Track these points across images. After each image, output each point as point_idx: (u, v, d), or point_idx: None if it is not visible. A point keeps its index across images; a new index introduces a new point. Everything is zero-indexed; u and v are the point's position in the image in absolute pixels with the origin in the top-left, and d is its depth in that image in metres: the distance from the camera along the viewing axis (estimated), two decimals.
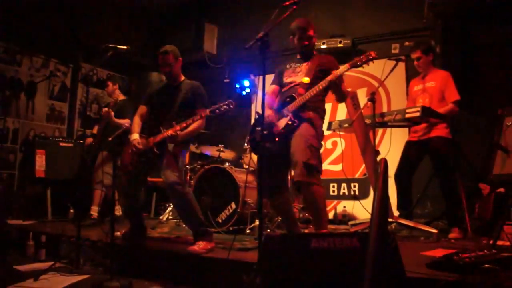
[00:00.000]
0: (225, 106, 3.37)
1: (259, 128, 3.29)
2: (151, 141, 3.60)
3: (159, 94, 3.85)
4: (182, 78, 3.87)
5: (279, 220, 4.45)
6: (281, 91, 3.57)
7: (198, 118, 3.46)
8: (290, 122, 3.25)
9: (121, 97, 5.54)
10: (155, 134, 3.61)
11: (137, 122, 3.80)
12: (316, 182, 3.18)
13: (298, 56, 3.59)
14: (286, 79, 3.53)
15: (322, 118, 3.46)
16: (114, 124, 4.93)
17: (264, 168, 3.21)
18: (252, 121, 6.71)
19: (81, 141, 6.02)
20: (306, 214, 4.76)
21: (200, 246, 3.29)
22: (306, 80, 3.31)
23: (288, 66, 3.59)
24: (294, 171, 3.18)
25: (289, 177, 3.90)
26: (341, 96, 3.47)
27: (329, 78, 3.16)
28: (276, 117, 3.37)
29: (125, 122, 4.99)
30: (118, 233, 3.82)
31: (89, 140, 5.48)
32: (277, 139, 3.29)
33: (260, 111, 3.36)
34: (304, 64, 3.48)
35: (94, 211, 5.19)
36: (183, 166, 3.81)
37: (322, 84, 3.18)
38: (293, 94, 3.31)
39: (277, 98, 3.60)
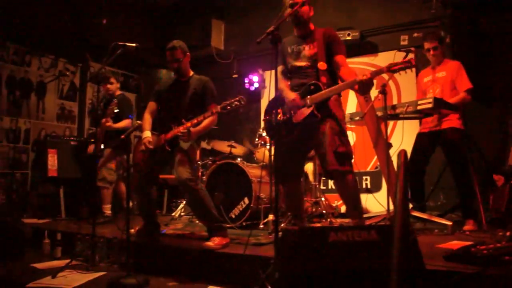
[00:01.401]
0: (236, 102, 3.35)
1: (279, 110, 3.28)
2: (163, 138, 3.60)
3: (168, 90, 3.83)
4: (191, 73, 3.85)
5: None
6: (293, 77, 3.38)
7: (209, 115, 3.45)
8: (312, 115, 3.09)
9: (119, 92, 5.55)
10: (166, 131, 3.61)
11: (147, 119, 3.79)
12: (350, 169, 3.08)
13: (296, 33, 3.40)
14: (293, 63, 3.35)
15: (340, 101, 3.31)
16: (115, 130, 4.98)
17: (278, 153, 3.21)
18: (262, 115, 6.74)
19: (92, 140, 6.05)
20: (319, 208, 4.75)
21: (215, 242, 3.29)
22: (323, 66, 3.17)
23: (289, 50, 3.39)
24: (325, 162, 3.05)
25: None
26: (366, 93, 3.21)
27: (361, 79, 2.88)
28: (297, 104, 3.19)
29: (124, 124, 5.02)
30: (132, 230, 3.82)
31: (92, 147, 5.47)
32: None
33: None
34: (306, 47, 3.29)
35: (107, 209, 5.22)
36: (195, 163, 3.81)
37: (349, 84, 2.99)
38: (318, 83, 3.13)
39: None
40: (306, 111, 3.12)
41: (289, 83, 3.40)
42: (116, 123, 5.10)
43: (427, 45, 4.26)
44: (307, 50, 3.28)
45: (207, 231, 3.55)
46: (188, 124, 3.45)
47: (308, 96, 3.12)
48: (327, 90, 3.07)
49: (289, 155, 3.26)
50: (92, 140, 5.70)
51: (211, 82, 3.79)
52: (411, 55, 2.88)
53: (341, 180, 3.08)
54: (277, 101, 3.31)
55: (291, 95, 3.21)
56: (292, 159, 3.30)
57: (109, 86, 5.48)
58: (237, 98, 3.35)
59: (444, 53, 4.27)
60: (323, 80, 3.13)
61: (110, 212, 5.20)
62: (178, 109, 3.67)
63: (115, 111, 4.97)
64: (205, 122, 3.53)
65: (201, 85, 3.72)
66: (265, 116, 3.46)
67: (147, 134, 3.67)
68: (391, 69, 2.90)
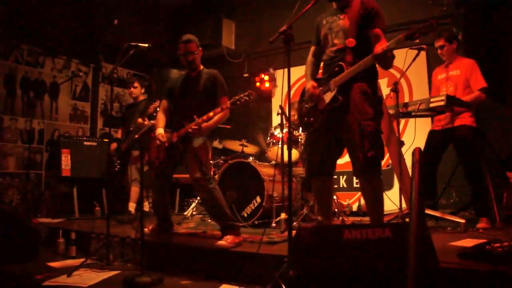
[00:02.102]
0: (245, 97, 3.35)
1: (305, 99, 3.12)
2: (175, 136, 3.63)
3: (179, 86, 3.85)
4: (201, 67, 3.87)
5: (304, 213, 4.46)
6: (324, 54, 3.16)
7: (219, 111, 3.45)
8: (334, 100, 2.92)
9: (142, 97, 5.63)
10: (178, 128, 3.64)
11: (161, 117, 3.84)
12: (378, 173, 2.94)
13: (334, 6, 3.15)
14: (325, 38, 3.13)
15: (375, 79, 3.07)
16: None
17: (311, 145, 3.14)
18: (274, 114, 6.76)
19: (106, 140, 6.12)
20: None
21: (228, 240, 3.31)
22: (351, 42, 2.91)
23: (324, 22, 3.16)
24: (353, 163, 2.94)
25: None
26: (388, 67, 2.95)
27: (377, 52, 2.72)
28: (321, 89, 3.03)
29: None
30: (146, 229, 3.87)
31: (114, 145, 5.54)
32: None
33: (283, 105, 3.36)
34: (341, 16, 3.03)
35: (132, 207, 5.31)
36: (208, 161, 3.83)
37: (368, 60, 2.80)
38: (341, 63, 2.92)
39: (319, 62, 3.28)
40: (329, 95, 2.95)
41: (320, 64, 3.26)
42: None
43: (435, 44, 4.25)
44: (340, 21, 3.03)
45: (220, 229, 3.57)
46: (199, 121, 3.46)
47: (332, 80, 2.95)
48: (348, 70, 2.88)
49: (319, 146, 3.09)
50: (116, 138, 5.78)
51: (220, 75, 3.80)
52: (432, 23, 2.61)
53: (368, 184, 2.96)
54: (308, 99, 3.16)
55: (308, 84, 3.11)
56: (321, 150, 3.08)
57: (132, 89, 5.57)
58: (246, 93, 3.35)
59: (454, 51, 4.23)
60: (348, 59, 2.91)
61: (134, 211, 5.27)
62: (190, 104, 3.68)
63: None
64: (216, 117, 3.53)
65: (211, 79, 3.73)
66: (298, 106, 3.30)
67: (160, 131, 3.71)
68: (414, 35, 2.62)
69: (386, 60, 2.77)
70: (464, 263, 2.32)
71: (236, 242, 3.34)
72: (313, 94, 3.05)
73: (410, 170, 3.13)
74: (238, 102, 3.37)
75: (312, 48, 3.33)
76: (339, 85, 2.91)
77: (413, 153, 1.72)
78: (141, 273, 2.95)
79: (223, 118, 3.64)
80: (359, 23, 2.94)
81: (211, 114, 3.45)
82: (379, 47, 2.74)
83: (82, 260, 3.45)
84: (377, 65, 3.00)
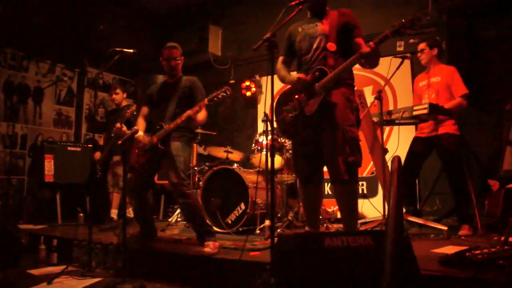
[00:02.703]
0: (222, 93, 3.39)
1: (287, 107, 3.07)
2: (155, 138, 3.65)
3: (158, 92, 3.92)
4: (181, 74, 3.92)
5: (289, 220, 4.46)
6: (301, 61, 3.16)
7: (197, 109, 3.45)
8: (324, 102, 2.89)
9: (125, 102, 5.58)
10: (158, 131, 3.67)
11: (141, 122, 3.89)
12: (356, 180, 2.96)
13: (309, 15, 3.21)
14: (301, 45, 3.13)
15: (353, 87, 3.12)
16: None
17: (298, 153, 3.12)
18: (259, 120, 6.76)
19: (90, 145, 6.06)
20: None
21: (210, 246, 3.33)
22: (332, 46, 2.95)
23: (300, 29, 3.17)
24: (331, 168, 2.94)
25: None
26: (374, 65, 3.00)
27: (364, 51, 2.74)
28: (304, 96, 3.00)
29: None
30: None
31: (98, 154, 5.49)
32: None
33: (267, 112, 3.34)
34: (319, 23, 3.07)
35: (114, 214, 5.26)
36: (188, 166, 3.82)
37: (356, 58, 2.80)
38: (323, 67, 2.92)
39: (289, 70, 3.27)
40: (317, 100, 2.91)
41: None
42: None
43: (419, 46, 4.32)
44: (319, 27, 3.06)
45: (198, 236, 3.60)
46: (179, 121, 3.48)
47: (316, 84, 2.93)
48: (333, 72, 2.87)
49: (307, 154, 3.08)
50: (100, 145, 5.72)
51: (199, 81, 3.85)
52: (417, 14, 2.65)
53: (345, 190, 2.97)
54: (285, 98, 3.14)
55: (294, 77, 3.07)
56: (310, 158, 3.07)
57: (114, 96, 5.52)
58: (223, 89, 3.40)
59: (434, 57, 4.28)
60: (330, 63, 2.93)
61: (116, 217, 5.22)
62: (168, 109, 3.73)
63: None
64: (195, 116, 3.52)
65: (189, 84, 3.79)
66: (276, 117, 3.19)
67: (140, 133, 3.75)
68: (400, 30, 2.69)
69: (374, 56, 2.81)
70: (445, 270, 2.34)
71: (217, 247, 3.38)
72: (303, 84, 2.99)
73: None
74: (215, 99, 3.40)
75: (281, 58, 3.32)
76: (325, 88, 2.91)
77: (392, 161, 1.74)
78: (123, 280, 2.92)
79: (203, 119, 3.64)
80: (338, 29, 2.99)
81: (190, 112, 3.44)
82: (365, 47, 2.76)
83: (63, 267, 3.41)
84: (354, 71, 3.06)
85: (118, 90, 5.53)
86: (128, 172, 3.81)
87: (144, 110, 3.96)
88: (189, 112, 3.44)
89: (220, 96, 3.38)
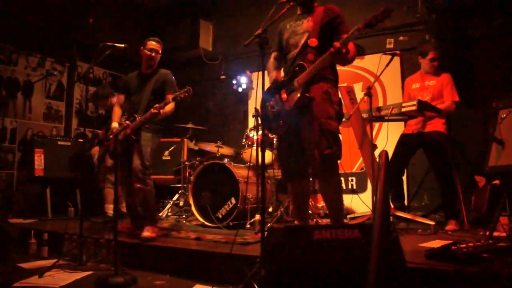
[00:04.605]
0: (184, 93, 3.55)
1: (270, 103, 3.10)
2: (128, 130, 3.77)
3: (134, 82, 4.07)
4: (156, 66, 4.07)
5: (278, 215, 4.50)
6: (287, 57, 3.20)
7: (161, 106, 3.62)
8: (302, 96, 2.91)
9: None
10: (131, 121, 3.81)
11: (116, 112, 4.10)
12: (336, 172, 2.96)
13: (299, 12, 3.23)
14: (288, 42, 3.16)
15: (336, 82, 3.11)
16: None
17: (282, 148, 3.16)
18: (250, 116, 6.78)
19: (80, 140, 6.04)
20: None
21: (149, 231, 3.70)
22: (313, 42, 2.95)
23: (288, 26, 3.20)
24: (311, 162, 2.95)
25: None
26: (346, 61, 2.99)
27: (336, 45, 2.70)
28: (285, 91, 3.04)
29: None
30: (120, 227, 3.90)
31: (96, 149, 5.47)
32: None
33: (258, 107, 3.35)
34: (305, 20, 3.10)
35: (109, 209, 5.25)
36: (153, 156, 3.96)
37: (325, 57, 2.80)
38: (302, 62, 2.94)
39: (281, 65, 3.31)
40: (296, 94, 2.94)
41: (281, 70, 3.30)
42: None
43: (432, 55, 4.31)
44: (304, 24, 3.09)
45: (144, 222, 3.82)
46: (147, 115, 3.66)
47: (295, 79, 2.96)
48: (309, 67, 2.89)
49: (291, 149, 3.08)
50: (90, 139, 5.72)
51: (171, 75, 4.04)
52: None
53: (326, 185, 3.02)
54: (270, 94, 3.16)
55: (273, 74, 3.15)
56: (294, 153, 3.07)
57: (104, 102, 5.56)
58: (185, 89, 3.56)
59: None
60: (310, 58, 2.93)
61: (112, 212, 5.22)
62: (141, 99, 3.90)
63: None
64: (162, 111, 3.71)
65: (163, 77, 3.98)
66: (261, 111, 3.15)
67: (115, 124, 3.95)
68: (373, 23, 2.67)
69: (341, 55, 2.77)
70: (431, 263, 2.39)
71: (156, 231, 3.78)
72: (278, 82, 3.09)
73: None
74: (178, 98, 3.57)
75: (273, 54, 3.36)
76: (303, 83, 2.92)
77: (380, 156, 1.78)
78: (114, 273, 2.94)
79: (170, 111, 3.84)
80: (322, 25, 2.99)
81: (155, 110, 3.61)
82: (335, 43, 2.72)
83: (54, 261, 3.41)
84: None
85: (110, 98, 5.49)
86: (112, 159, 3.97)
87: (121, 98, 4.16)
88: (154, 108, 3.61)
89: (182, 96, 3.56)
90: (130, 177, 3.84)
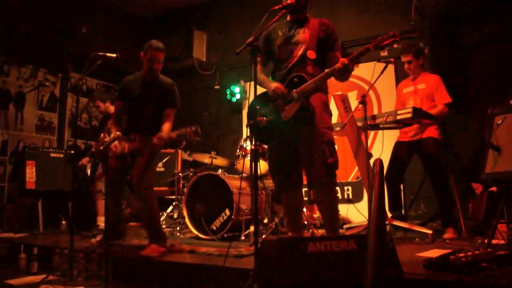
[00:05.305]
0: (191, 133, 3.56)
1: (262, 112, 3.00)
2: (126, 148, 3.67)
3: (136, 88, 3.82)
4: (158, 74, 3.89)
5: (273, 226, 4.44)
6: (278, 65, 3.14)
7: (166, 138, 3.55)
8: (303, 108, 2.88)
9: (111, 108, 5.50)
10: (131, 139, 3.67)
11: (118, 119, 3.91)
12: (334, 184, 2.97)
13: (289, 18, 3.18)
14: (281, 50, 3.11)
15: (327, 93, 3.13)
16: None
17: (276, 159, 3.11)
18: (244, 126, 6.73)
19: (72, 151, 5.97)
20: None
21: (152, 249, 3.49)
22: (312, 54, 2.98)
23: (280, 33, 3.14)
24: (310, 171, 2.93)
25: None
26: (346, 79, 3.00)
27: (344, 61, 2.76)
28: (281, 102, 2.97)
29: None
30: (93, 240, 3.98)
31: (86, 159, 5.40)
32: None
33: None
34: (300, 30, 3.07)
35: (101, 221, 5.15)
36: (153, 170, 3.87)
37: (328, 73, 2.85)
38: (302, 74, 2.93)
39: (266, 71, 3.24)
40: (295, 105, 2.91)
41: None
42: None
43: (403, 58, 4.34)
44: (300, 35, 3.06)
45: (149, 239, 3.67)
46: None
47: (294, 90, 2.92)
48: (312, 80, 2.89)
49: (284, 160, 3.05)
50: (82, 152, 5.65)
51: (175, 85, 3.86)
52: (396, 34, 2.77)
53: (326, 194, 2.96)
54: (260, 102, 3.08)
55: (272, 85, 3.02)
56: (287, 164, 3.04)
57: (96, 109, 5.43)
58: (193, 129, 3.55)
59: (421, 66, 4.34)
60: (309, 70, 2.95)
61: (104, 224, 5.14)
62: (145, 110, 3.75)
63: None
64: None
65: (168, 88, 3.80)
66: (248, 121, 3.04)
67: (118, 133, 3.71)
68: (379, 45, 2.79)
69: (346, 72, 2.85)
70: (429, 274, 2.33)
71: (161, 252, 3.50)
72: (279, 95, 2.96)
73: None
74: (183, 136, 3.59)
75: (259, 59, 3.24)
76: (304, 95, 2.90)
77: (374, 164, 1.73)
78: None
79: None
80: (319, 39, 3.02)
81: (159, 139, 3.53)
82: (340, 61, 2.80)
83: (43, 276, 3.32)
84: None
85: (97, 103, 5.40)
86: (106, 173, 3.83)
87: (120, 105, 3.91)
88: (158, 139, 3.51)
89: (188, 135, 3.54)
90: (118, 188, 3.79)
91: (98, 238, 3.93)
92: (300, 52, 3.03)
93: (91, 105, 5.49)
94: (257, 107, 3.09)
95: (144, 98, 3.76)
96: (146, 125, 3.66)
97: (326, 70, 2.90)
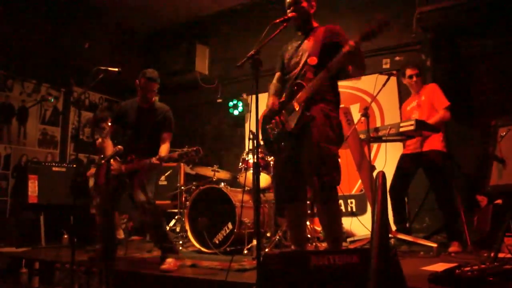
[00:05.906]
0: (192, 153, 3.51)
1: (271, 126, 3.03)
2: (124, 169, 3.68)
3: (131, 115, 3.89)
4: (153, 101, 3.94)
5: (276, 239, 4.39)
6: (288, 76, 3.11)
7: (165, 158, 3.58)
8: (302, 116, 2.82)
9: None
10: (127, 161, 3.70)
11: (109, 146, 3.89)
12: (335, 199, 2.86)
13: (299, 33, 3.16)
14: (289, 62, 3.11)
15: (337, 104, 3.02)
16: None
17: (281, 171, 3.07)
18: (247, 139, 6.72)
19: (74, 165, 5.97)
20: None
21: (171, 264, 3.43)
22: (313, 60, 2.89)
23: (290, 47, 3.16)
24: (310, 187, 2.89)
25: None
26: (361, 67, 2.90)
27: (346, 49, 2.68)
28: (285, 112, 2.95)
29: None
30: (92, 254, 3.93)
31: (92, 171, 5.39)
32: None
33: (254, 130, 3.29)
34: (306, 40, 3.05)
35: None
36: (153, 185, 3.87)
37: (327, 71, 2.76)
38: (301, 81, 2.88)
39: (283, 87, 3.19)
40: (295, 115, 2.86)
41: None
42: None
43: (409, 72, 4.33)
44: (305, 44, 3.05)
45: (161, 252, 3.63)
46: (147, 164, 3.58)
47: (295, 99, 2.88)
48: (309, 85, 2.82)
49: (288, 173, 2.96)
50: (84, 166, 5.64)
51: (171, 112, 3.92)
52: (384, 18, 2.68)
53: (324, 209, 2.89)
54: (271, 115, 3.08)
55: (269, 102, 3.05)
56: (291, 177, 2.95)
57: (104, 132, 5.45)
58: (195, 149, 3.51)
59: (423, 80, 4.36)
60: (309, 76, 2.86)
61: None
62: (140, 136, 3.79)
63: None
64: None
65: (164, 114, 3.86)
66: (262, 136, 3.11)
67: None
68: (364, 36, 2.68)
69: (356, 55, 2.72)
70: None
71: (178, 265, 3.49)
72: (274, 110, 3.00)
73: None
74: (184, 156, 3.52)
75: (277, 74, 3.27)
76: (302, 103, 2.84)
77: (376, 177, 1.71)
78: None
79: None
80: (323, 44, 2.93)
81: (158, 160, 3.56)
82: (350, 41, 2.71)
83: None
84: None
85: (103, 125, 5.41)
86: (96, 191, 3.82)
87: (115, 129, 3.98)
88: (157, 159, 3.54)
89: (189, 155, 3.51)
90: (111, 207, 3.81)
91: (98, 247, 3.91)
92: (303, 60, 3.00)
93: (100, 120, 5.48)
94: (268, 119, 3.09)
95: (140, 125, 3.83)
96: (144, 148, 3.71)
97: (328, 65, 2.77)
